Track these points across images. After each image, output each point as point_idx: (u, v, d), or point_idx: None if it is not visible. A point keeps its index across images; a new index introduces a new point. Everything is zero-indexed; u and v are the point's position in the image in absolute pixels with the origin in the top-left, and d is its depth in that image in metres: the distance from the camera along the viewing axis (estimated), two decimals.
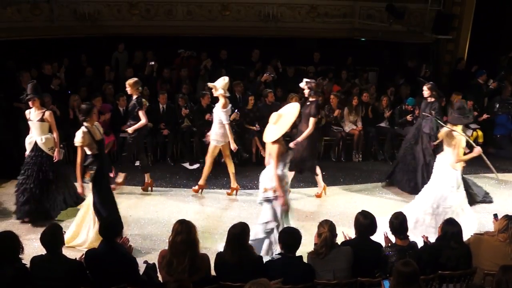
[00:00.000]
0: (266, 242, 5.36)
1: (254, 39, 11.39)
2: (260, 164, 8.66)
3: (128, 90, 7.09)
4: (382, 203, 7.36)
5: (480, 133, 9.51)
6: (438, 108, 7.37)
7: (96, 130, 5.71)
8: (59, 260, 4.04)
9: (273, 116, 5.53)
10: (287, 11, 11.17)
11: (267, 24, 11.08)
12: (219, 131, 7.11)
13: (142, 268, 4.44)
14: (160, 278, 4.30)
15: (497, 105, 9.44)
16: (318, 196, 7.53)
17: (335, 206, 7.25)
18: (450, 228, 4.40)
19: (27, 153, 6.47)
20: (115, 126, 8.67)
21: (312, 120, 6.86)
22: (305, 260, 4.26)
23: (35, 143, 6.40)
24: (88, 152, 5.63)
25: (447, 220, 4.52)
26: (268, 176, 5.36)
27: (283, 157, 5.31)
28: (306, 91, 6.97)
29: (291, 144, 6.83)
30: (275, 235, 5.16)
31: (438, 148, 6.91)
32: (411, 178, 7.53)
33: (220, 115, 7.01)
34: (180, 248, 3.92)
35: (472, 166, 7.66)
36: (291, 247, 4.13)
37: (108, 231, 4.21)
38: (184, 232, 3.94)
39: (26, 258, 4.12)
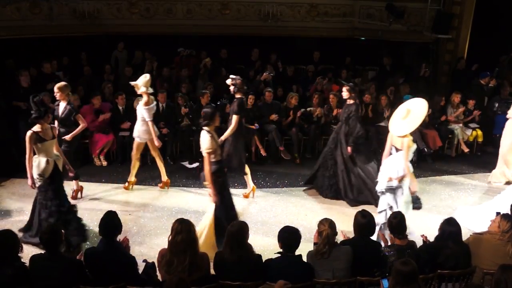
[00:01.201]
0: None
1: (254, 38, 11.39)
2: (260, 163, 8.70)
3: (57, 95, 6.65)
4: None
5: (479, 132, 9.52)
6: (355, 110, 7.08)
7: (215, 135, 5.58)
8: (58, 259, 4.04)
9: (401, 111, 5.76)
10: (287, 10, 11.18)
11: (266, 23, 11.09)
12: (141, 128, 7.14)
13: (141, 267, 4.44)
14: (159, 277, 4.30)
15: (496, 105, 9.44)
16: (246, 196, 7.39)
17: (336, 205, 7.25)
18: (449, 227, 4.40)
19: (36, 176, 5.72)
20: (115, 125, 8.67)
21: (235, 118, 6.75)
22: (304, 259, 4.27)
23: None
24: (213, 159, 5.46)
25: (446, 220, 4.52)
26: (394, 166, 5.62)
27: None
28: (231, 88, 6.93)
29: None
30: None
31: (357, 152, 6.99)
32: (332, 183, 7.34)
33: (142, 112, 7.02)
34: (180, 247, 3.92)
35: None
36: (291, 247, 4.12)
37: (107, 229, 4.20)
38: (184, 231, 3.94)
39: (25, 257, 4.12)
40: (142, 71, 10.20)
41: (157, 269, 4.29)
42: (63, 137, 6.68)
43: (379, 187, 5.81)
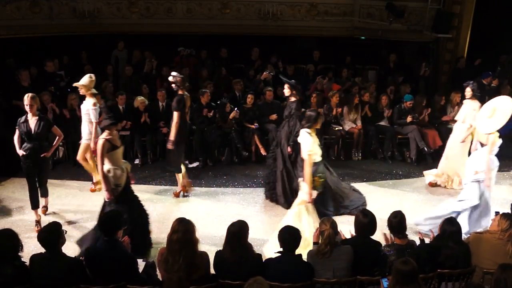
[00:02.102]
0: (462, 216, 5.92)
1: (254, 38, 11.38)
2: (259, 162, 8.69)
3: (29, 107, 6.17)
4: (382, 202, 7.36)
5: None
6: (296, 108, 6.90)
7: (316, 137, 5.62)
8: (58, 258, 4.04)
9: (487, 110, 5.98)
10: (287, 9, 11.17)
11: (267, 22, 11.09)
12: (87, 129, 7.11)
13: (141, 266, 4.44)
14: (159, 276, 4.31)
15: None
16: (176, 195, 7.32)
17: None
18: (449, 227, 4.41)
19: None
20: None
21: (176, 114, 6.82)
22: (304, 258, 4.27)
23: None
24: (314, 161, 5.51)
25: (446, 219, 4.52)
26: (479, 160, 5.91)
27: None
28: (173, 85, 7.00)
29: (169, 145, 6.97)
30: (469, 213, 5.93)
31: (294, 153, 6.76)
32: (269, 182, 7.25)
33: (90, 113, 6.97)
34: (175, 246, 3.93)
35: None
36: (290, 246, 4.12)
37: (108, 227, 4.21)
38: (180, 231, 3.93)
39: (26, 256, 4.13)
40: (142, 70, 10.24)
41: (157, 268, 4.30)
42: (42, 155, 6.18)
43: (465, 180, 6.05)
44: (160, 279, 4.22)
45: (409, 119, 8.93)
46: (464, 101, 7.58)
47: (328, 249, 4.17)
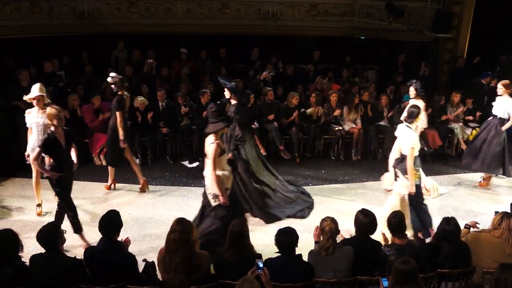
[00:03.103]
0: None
1: (254, 38, 11.39)
2: None
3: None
4: (381, 202, 7.36)
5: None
6: (234, 112, 6.70)
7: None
8: (58, 258, 4.04)
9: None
10: (286, 9, 11.17)
11: (266, 22, 11.09)
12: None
13: (141, 266, 4.44)
14: (159, 277, 4.31)
15: None
16: (107, 187, 7.44)
17: (335, 205, 7.25)
18: (448, 227, 4.40)
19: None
20: None
21: (118, 114, 6.96)
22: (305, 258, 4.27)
23: None
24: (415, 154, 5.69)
25: (445, 219, 4.52)
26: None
27: None
28: (113, 86, 7.06)
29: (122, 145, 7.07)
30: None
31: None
32: None
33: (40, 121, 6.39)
34: (172, 246, 3.94)
35: None
36: (289, 248, 4.11)
37: (108, 228, 4.20)
38: (178, 231, 3.94)
39: (26, 256, 4.13)
40: (141, 70, 10.24)
41: (157, 268, 4.30)
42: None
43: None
44: (160, 279, 4.22)
45: None
46: (410, 101, 7.35)
47: (331, 244, 4.16)
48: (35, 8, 10.01)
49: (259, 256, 4.23)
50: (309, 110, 9.22)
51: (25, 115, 6.49)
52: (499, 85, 7.55)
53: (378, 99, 9.64)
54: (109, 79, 7.07)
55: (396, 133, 6.02)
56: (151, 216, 6.73)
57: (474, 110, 9.48)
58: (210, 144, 5.20)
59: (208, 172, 5.23)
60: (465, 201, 7.47)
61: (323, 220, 4.33)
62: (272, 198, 6.90)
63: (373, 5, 11.22)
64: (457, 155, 9.40)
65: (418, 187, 5.80)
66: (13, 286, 3.83)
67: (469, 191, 7.84)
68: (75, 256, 4.21)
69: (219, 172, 5.27)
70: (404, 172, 5.70)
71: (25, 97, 6.46)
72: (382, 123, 9.43)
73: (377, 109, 9.49)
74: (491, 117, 7.73)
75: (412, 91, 7.39)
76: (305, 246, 4.46)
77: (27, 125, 6.51)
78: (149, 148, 8.74)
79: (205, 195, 5.49)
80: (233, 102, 6.81)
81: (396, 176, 5.90)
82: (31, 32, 10.09)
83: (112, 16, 10.71)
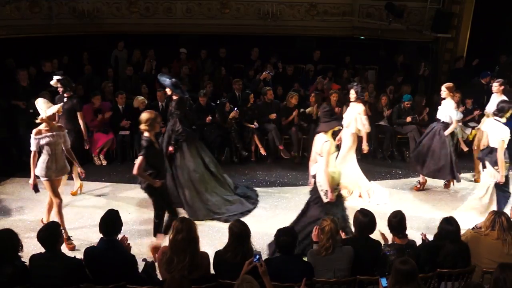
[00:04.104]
0: None
1: (254, 37, 11.39)
2: (259, 162, 8.70)
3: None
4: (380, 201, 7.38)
5: None
6: (175, 107, 6.76)
7: None
8: (58, 258, 4.04)
9: None
10: (286, 9, 11.18)
11: (266, 22, 11.09)
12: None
13: (141, 266, 4.44)
14: (159, 276, 4.31)
15: None
16: (73, 193, 7.24)
17: None
18: (448, 226, 4.41)
19: None
20: (114, 124, 8.67)
21: (79, 114, 7.14)
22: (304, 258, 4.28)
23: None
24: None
25: (446, 219, 4.53)
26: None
27: None
28: (60, 89, 7.04)
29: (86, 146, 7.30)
30: None
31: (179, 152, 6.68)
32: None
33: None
34: (180, 246, 3.93)
35: None
36: (288, 248, 4.12)
37: (108, 227, 4.21)
38: (185, 230, 3.94)
39: (26, 256, 4.13)
40: (141, 70, 10.24)
41: (157, 268, 4.30)
42: None
43: None
44: (160, 279, 4.22)
45: (408, 119, 8.93)
46: (351, 104, 7.25)
47: (331, 243, 4.16)
48: (34, 8, 10.01)
49: (258, 253, 4.23)
50: (308, 110, 9.22)
51: (36, 137, 5.60)
52: (443, 88, 7.29)
53: (378, 99, 9.63)
54: (52, 82, 6.97)
55: (483, 127, 6.48)
56: (150, 215, 6.70)
57: (473, 111, 9.47)
58: (325, 142, 5.36)
59: (322, 169, 5.36)
60: (465, 200, 7.43)
61: (323, 220, 4.33)
62: (206, 197, 6.79)
63: (372, 5, 11.23)
64: (456, 155, 9.38)
65: (506, 177, 6.12)
66: (13, 286, 3.83)
67: (468, 191, 7.77)
68: (74, 256, 4.21)
69: (331, 170, 5.42)
70: (494, 163, 6.05)
71: (55, 110, 5.70)
72: (381, 123, 9.42)
73: (377, 109, 9.48)
74: (435, 122, 7.47)
75: (352, 93, 7.16)
76: None
77: (39, 149, 5.65)
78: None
79: (313, 192, 5.60)
80: (174, 97, 6.82)
81: (483, 166, 6.26)
82: (31, 32, 10.10)
83: (112, 16, 10.72)
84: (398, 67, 11.13)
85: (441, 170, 7.33)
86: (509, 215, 4.69)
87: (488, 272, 4.14)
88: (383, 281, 3.73)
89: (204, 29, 11.15)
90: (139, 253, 5.41)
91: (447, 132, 7.26)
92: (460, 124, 9.38)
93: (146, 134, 5.38)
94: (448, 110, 7.25)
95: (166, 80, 6.79)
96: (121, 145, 8.65)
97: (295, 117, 9.02)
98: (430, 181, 7.83)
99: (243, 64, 11.12)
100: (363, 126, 7.08)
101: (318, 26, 11.34)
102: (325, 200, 5.38)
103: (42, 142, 5.59)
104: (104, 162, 8.55)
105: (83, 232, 6.15)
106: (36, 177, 5.68)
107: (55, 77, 7.03)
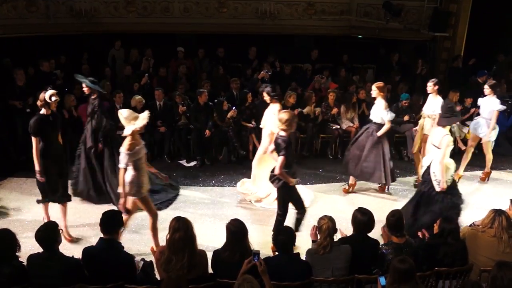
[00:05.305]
0: None
1: (251, 37, 11.39)
2: None
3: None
4: (379, 201, 7.39)
5: None
6: (98, 104, 6.75)
7: None
8: (56, 257, 4.04)
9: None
10: (284, 8, 11.18)
11: (264, 21, 11.10)
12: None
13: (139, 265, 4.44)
14: (157, 276, 4.30)
15: None
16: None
17: (333, 203, 7.26)
18: (447, 225, 4.42)
19: None
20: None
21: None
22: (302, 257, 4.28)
23: None
24: None
25: (444, 218, 4.54)
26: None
27: None
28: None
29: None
30: None
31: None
32: (74, 177, 7.00)
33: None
34: (178, 245, 3.93)
35: None
36: (286, 247, 4.12)
37: (108, 227, 4.20)
38: (182, 229, 3.94)
39: (23, 256, 4.12)
40: (139, 69, 10.22)
41: (155, 267, 4.30)
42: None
43: None
44: (159, 279, 4.22)
45: (406, 118, 8.94)
46: (270, 105, 7.01)
47: (328, 242, 4.17)
48: (31, 7, 9.99)
49: (257, 252, 4.24)
50: (305, 110, 9.22)
51: (129, 152, 5.19)
52: (373, 87, 7.05)
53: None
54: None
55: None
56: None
57: (470, 109, 9.49)
58: (445, 135, 5.73)
59: (438, 160, 5.71)
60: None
61: (320, 218, 4.34)
62: None
63: (370, 4, 11.25)
64: (454, 154, 9.39)
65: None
66: (10, 286, 3.82)
67: (468, 191, 7.79)
68: (72, 256, 4.20)
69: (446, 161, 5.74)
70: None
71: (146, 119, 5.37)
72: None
73: None
74: (369, 123, 7.26)
75: (265, 96, 6.95)
76: (303, 244, 4.47)
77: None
78: (146, 147, 8.70)
79: (425, 183, 5.91)
80: (94, 96, 6.82)
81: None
82: (28, 31, 10.07)
83: (109, 15, 10.70)
84: (393, 66, 11.14)
85: (373, 174, 7.14)
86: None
87: (485, 270, 4.16)
88: (382, 280, 3.73)
89: (201, 28, 11.14)
90: (138, 253, 5.39)
91: (379, 133, 7.02)
92: (458, 122, 9.42)
93: (282, 133, 5.46)
94: (378, 111, 7.04)
95: (85, 80, 6.75)
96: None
97: None
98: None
99: (241, 63, 11.12)
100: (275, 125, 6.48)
101: (316, 25, 11.35)
102: (437, 189, 5.71)
103: (134, 157, 5.15)
104: None
105: (83, 233, 6.14)
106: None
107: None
